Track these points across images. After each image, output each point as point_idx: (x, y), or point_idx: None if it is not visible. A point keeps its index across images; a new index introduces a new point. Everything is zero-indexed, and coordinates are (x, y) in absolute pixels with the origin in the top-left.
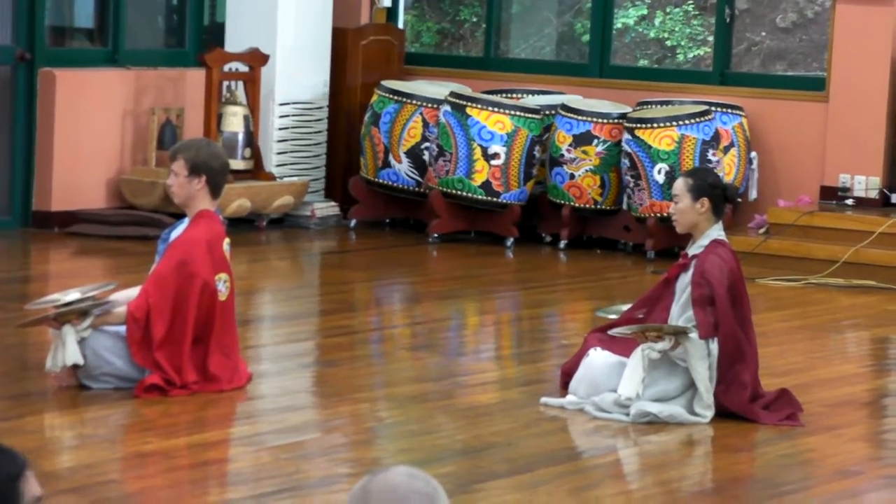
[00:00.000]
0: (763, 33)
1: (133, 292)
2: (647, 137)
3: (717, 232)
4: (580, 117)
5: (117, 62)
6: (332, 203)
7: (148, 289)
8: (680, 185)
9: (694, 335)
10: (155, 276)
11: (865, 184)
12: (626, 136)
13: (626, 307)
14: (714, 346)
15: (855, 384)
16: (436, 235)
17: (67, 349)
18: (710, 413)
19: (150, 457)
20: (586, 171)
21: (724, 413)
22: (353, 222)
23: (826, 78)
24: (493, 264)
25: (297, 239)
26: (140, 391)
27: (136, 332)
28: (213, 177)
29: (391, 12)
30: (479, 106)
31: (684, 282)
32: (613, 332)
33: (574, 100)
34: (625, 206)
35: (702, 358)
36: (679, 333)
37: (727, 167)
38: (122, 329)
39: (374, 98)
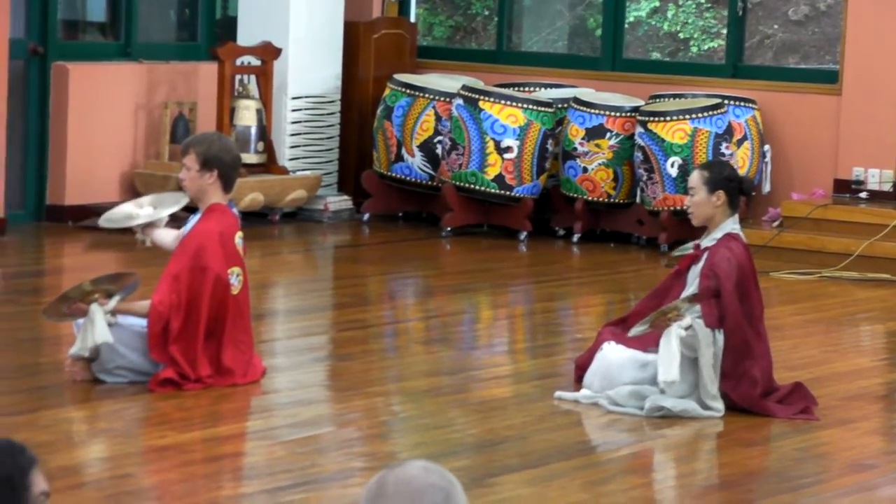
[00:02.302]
0: (776, 26)
1: (170, 235)
2: (660, 131)
3: (731, 225)
4: (593, 110)
5: (130, 56)
6: (345, 197)
7: (170, 284)
8: (696, 177)
9: (700, 321)
10: (171, 272)
11: (879, 177)
12: (639, 129)
13: (694, 242)
14: (719, 336)
15: (869, 378)
16: (449, 229)
17: (96, 327)
18: (717, 404)
19: (165, 451)
20: (599, 164)
21: (736, 407)
22: (366, 216)
23: (839, 71)
24: (506, 258)
25: (310, 233)
26: (154, 385)
27: (158, 326)
28: (224, 171)
29: (403, 6)
30: (492, 99)
31: (695, 273)
32: (632, 332)
33: (586, 93)
34: (638, 200)
35: (708, 345)
36: (692, 303)
37: (740, 160)
38: (137, 322)
39: (387, 92)
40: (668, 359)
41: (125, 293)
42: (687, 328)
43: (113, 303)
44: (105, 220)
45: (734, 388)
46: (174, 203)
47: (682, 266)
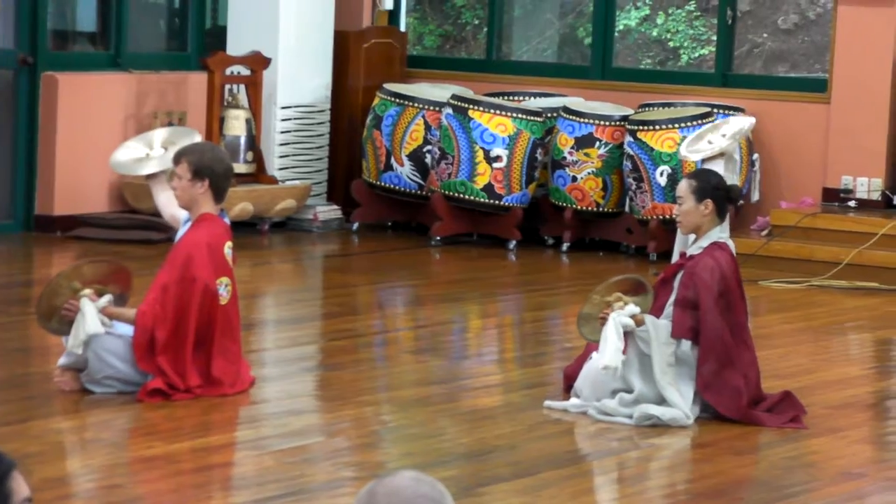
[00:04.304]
0: (765, 35)
1: (178, 212)
2: (649, 139)
3: (717, 234)
4: (582, 119)
5: (119, 66)
6: (335, 206)
7: (156, 295)
8: (683, 186)
9: (665, 322)
10: (158, 282)
11: (868, 185)
12: (629, 138)
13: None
14: (685, 342)
15: (858, 386)
16: (438, 238)
17: (87, 319)
18: (672, 396)
19: (154, 461)
20: (588, 173)
21: (725, 416)
22: (355, 225)
23: (828, 79)
24: (496, 267)
25: (299, 242)
26: (143, 395)
27: (143, 338)
28: (216, 180)
29: (393, 15)
30: (481, 108)
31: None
32: (588, 338)
33: (576, 102)
34: (627, 209)
35: (665, 343)
36: (634, 293)
37: None
38: (126, 332)
39: (376, 101)
40: (605, 345)
41: (117, 301)
42: (633, 314)
43: (104, 301)
44: (115, 166)
45: (717, 400)
46: (188, 141)
47: (668, 274)
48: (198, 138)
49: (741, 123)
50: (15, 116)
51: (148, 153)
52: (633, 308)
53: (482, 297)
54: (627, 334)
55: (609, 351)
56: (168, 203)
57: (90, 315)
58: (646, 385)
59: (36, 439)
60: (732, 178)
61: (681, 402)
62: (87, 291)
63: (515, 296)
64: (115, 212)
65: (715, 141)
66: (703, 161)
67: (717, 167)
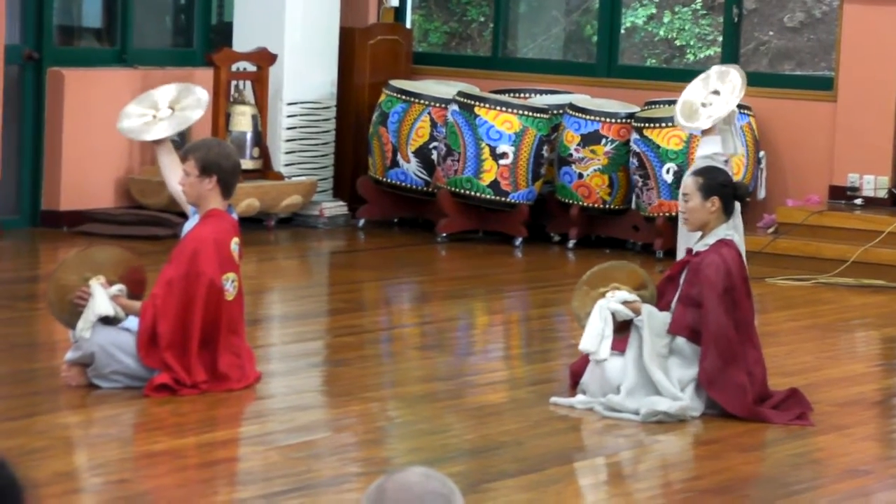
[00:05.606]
0: (771, 33)
1: (174, 174)
2: (655, 137)
3: (724, 231)
4: (588, 117)
5: (125, 62)
6: (341, 202)
7: (159, 289)
8: (690, 183)
9: (664, 314)
10: (163, 276)
11: (874, 183)
12: (635, 135)
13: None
14: (680, 338)
15: (864, 384)
16: (444, 235)
17: (97, 301)
18: (660, 380)
19: (160, 456)
20: (595, 170)
21: (731, 413)
22: (361, 222)
23: (834, 77)
24: (502, 264)
25: (305, 238)
26: (150, 390)
27: (144, 333)
28: (224, 176)
29: (399, 12)
30: (488, 105)
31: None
32: (581, 320)
33: (582, 99)
34: (633, 206)
35: (659, 335)
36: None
37: (735, 167)
38: (134, 326)
39: (382, 98)
40: (588, 330)
41: (129, 297)
42: (625, 301)
43: (115, 290)
44: (125, 132)
45: (722, 398)
46: (195, 102)
47: (674, 271)
48: (202, 94)
49: (725, 72)
50: (21, 112)
51: (155, 115)
52: (624, 295)
53: (488, 293)
54: (629, 323)
55: (589, 334)
56: (171, 174)
57: (100, 296)
58: (640, 374)
59: (42, 434)
60: (733, 130)
61: (667, 384)
62: (100, 279)
63: (521, 292)
64: (121, 207)
65: (711, 100)
66: (704, 132)
67: (715, 141)
